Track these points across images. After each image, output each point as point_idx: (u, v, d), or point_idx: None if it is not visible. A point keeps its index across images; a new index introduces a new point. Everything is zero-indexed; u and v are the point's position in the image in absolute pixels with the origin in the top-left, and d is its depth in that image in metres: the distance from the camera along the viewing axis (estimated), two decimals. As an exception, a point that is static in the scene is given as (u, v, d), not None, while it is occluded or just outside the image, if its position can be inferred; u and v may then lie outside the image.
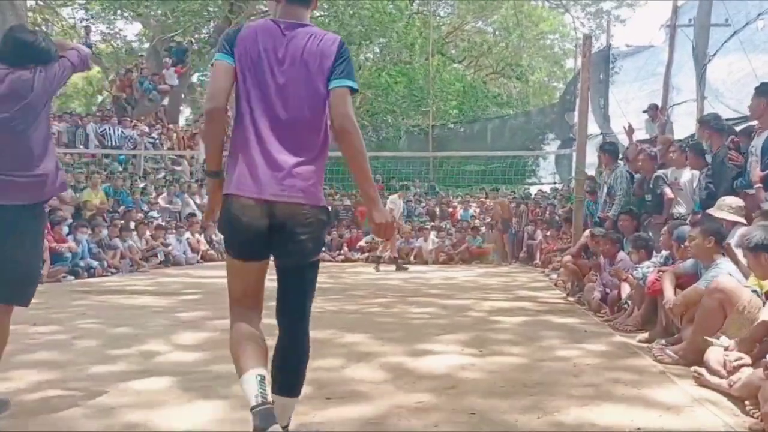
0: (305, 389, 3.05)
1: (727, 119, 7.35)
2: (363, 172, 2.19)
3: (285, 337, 2.23)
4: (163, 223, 12.02)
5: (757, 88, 4.94)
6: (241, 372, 2.06)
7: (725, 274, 3.68)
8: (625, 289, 5.32)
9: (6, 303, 2.67)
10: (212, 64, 2.22)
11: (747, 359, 2.96)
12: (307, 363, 2.28)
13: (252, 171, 2.11)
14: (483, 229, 13.92)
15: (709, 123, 5.75)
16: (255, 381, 2.01)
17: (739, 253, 3.91)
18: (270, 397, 2.03)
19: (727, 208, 4.44)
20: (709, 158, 5.67)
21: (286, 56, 2.15)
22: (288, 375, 2.23)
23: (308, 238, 2.16)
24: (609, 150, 7.38)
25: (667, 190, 6.11)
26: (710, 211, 4.58)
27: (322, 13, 21.36)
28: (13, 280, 2.64)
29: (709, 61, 9.55)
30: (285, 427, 2.20)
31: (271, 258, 2.22)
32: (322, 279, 8.87)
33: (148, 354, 3.94)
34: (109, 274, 9.71)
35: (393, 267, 11.07)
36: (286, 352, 2.23)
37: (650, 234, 5.91)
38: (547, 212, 13.40)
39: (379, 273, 10.51)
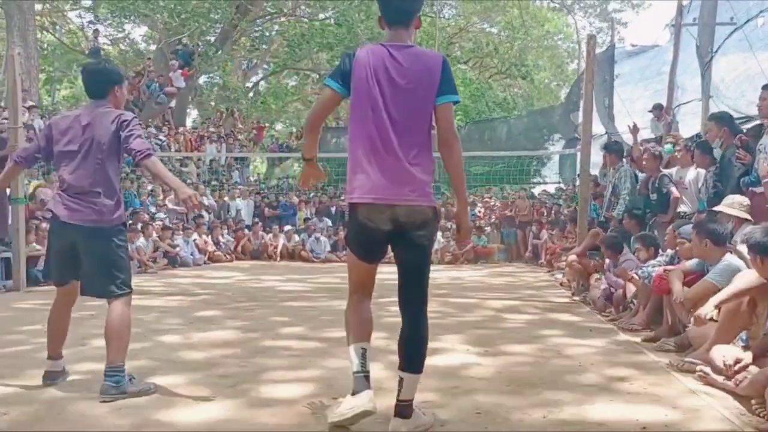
0: (313, 388, 3.10)
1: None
2: (460, 179, 2.52)
3: (408, 325, 2.54)
4: (171, 225, 12.07)
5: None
6: (349, 342, 2.55)
7: (735, 267, 3.67)
8: (631, 289, 5.33)
9: (100, 297, 3.14)
10: (325, 84, 2.55)
11: (747, 359, 2.97)
12: (427, 344, 2.55)
13: (375, 178, 2.41)
14: (488, 228, 13.92)
15: (725, 119, 5.71)
16: (359, 352, 2.50)
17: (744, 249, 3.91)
18: (368, 366, 2.49)
19: (737, 205, 4.44)
20: (717, 154, 5.65)
21: (398, 76, 2.42)
22: (411, 356, 2.51)
23: (425, 236, 2.47)
24: (613, 149, 7.38)
25: (674, 189, 6.11)
26: (719, 207, 4.57)
27: (328, 14, 21.38)
28: (99, 283, 3.09)
29: (711, 58, 9.52)
30: (410, 400, 2.49)
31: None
32: (329, 279, 8.93)
33: (157, 353, 3.98)
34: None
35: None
36: (409, 338, 2.53)
37: (656, 233, 5.91)
38: (553, 212, 13.39)
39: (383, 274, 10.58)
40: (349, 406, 2.42)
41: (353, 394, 2.45)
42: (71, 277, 3.17)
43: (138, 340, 4.40)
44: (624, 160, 7.38)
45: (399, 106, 2.42)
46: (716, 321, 3.44)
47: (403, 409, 2.47)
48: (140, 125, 3.25)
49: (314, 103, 2.65)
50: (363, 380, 2.47)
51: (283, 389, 3.17)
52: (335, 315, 5.74)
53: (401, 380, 2.48)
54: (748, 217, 4.38)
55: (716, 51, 9.44)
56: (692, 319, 3.61)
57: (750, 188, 4.88)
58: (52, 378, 3.25)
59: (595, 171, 8.90)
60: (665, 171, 6.49)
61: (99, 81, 3.20)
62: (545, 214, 13.57)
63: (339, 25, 19.54)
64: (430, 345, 4.17)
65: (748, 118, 7.87)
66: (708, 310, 3.38)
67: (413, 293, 2.54)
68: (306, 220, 14.57)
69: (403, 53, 2.45)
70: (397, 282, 2.56)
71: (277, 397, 3.04)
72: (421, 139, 2.45)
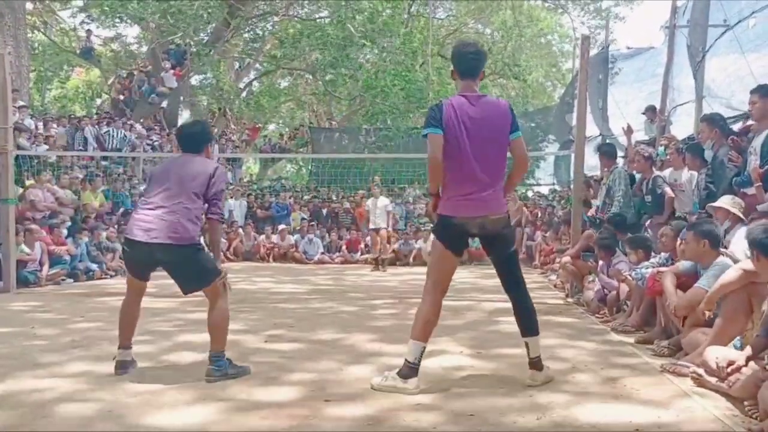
0: (304, 391, 3.08)
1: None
2: (517, 182, 3.58)
3: (517, 302, 3.33)
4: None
5: (760, 90, 4.88)
6: (419, 338, 3.17)
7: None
8: (624, 290, 5.32)
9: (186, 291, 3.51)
10: (426, 135, 3.17)
11: (741, 360, 2.96)
12: (535, 311, 3.34)
13: (464, 197, 3.16)
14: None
15: (716, 120, 5.71)
16: (419, 349, 3.17)
17: (739, 249, 3.90)
18: (421, 360, 3.17)
19: (732, 203, 4.44)
20: (709, 156, 5.64)
21: (477, 119, 3.15)
22: (527, 323, 3.31)
23: (508, 234, 3.34)
24: (605, 151, 7.37)
25: (668, 190, 6.09)
26: (720, 203, 4.55)
27: (323, 15, 21.31)
28: (187, 285, 3.49)
29: (702, 58, 9.53)
30: (538, 356, 3.30)
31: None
32: (322, 280, 8.87)
33: (146, 356, 3.93)
34: (108, 276, 9.71)
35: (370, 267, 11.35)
36: (521, 311, 3.32)
37: (650, 233, 5.90)
38: (546, 213, 13.41)
39: (381, 273, 10.87)
40: (397, 385, 3.11)
41: (402, 377, 3.11)
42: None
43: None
44: (620, 161, 7.37)
45: (481, 143, 3.14)
46: (712, 318, 3.47)
47: (536, 364, 3.27)
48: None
49: (430, 148, 3.17)
50: (413, 370, 3.15)
51: (273, 392, 3.15)
52: (327, 316, 5.72)
53: (527, 344, 3.28)
54: (741, 215, 4.37)
55: (707, 51, 9.45)
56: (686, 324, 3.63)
57: (741, 189, 4.87)
58: (123, 367, 3.44)
59: (589, 172, 8.88)
60: (658, 172, 6.49)
61: (197, 140, 3.57)
62: (539, 215, 13.58)
63: (332, 24, 19.47)
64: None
65: (738, 118, 7.89)
66: (706, 311, 3.51)
67: (512, 278, 3.33)
68: (302, 220, 14.54)
69: (480, 102, 3.19)
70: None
71: (267, 400, 3.01)
72: (498, 166, 3.21)
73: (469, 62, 3.25)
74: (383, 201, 11.53)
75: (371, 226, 11.50)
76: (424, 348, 3.17)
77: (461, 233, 3.24)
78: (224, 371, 3.34)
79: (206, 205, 3.44)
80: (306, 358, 3.90)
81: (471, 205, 3.16)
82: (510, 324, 5.28)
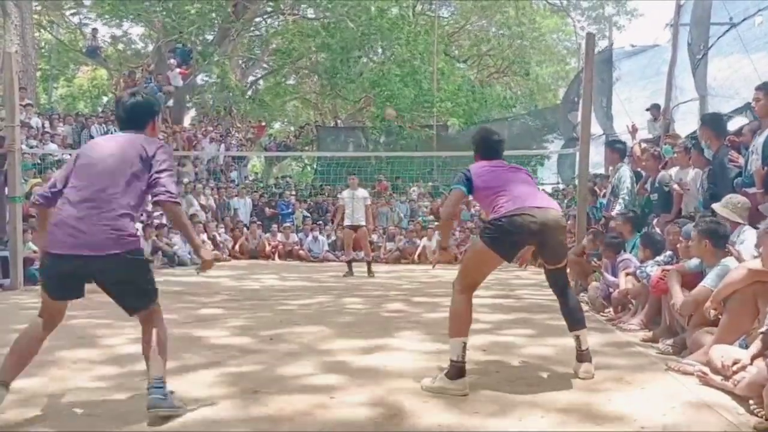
0: (317, 387, 3.06)
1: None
2: None
3: (563, 303, 3.49)
4: (166, 223, 12.08)
5: (765, 87, 4.85)
6: (455, 334, 3.19)
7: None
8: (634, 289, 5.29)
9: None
10: (451, 190, 3.51)
11: (746, 359, 2.97)
12: (581, 307, 3.60)
13: (522, 196, 3.29)
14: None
15: (706, 121, 5.69)
16: (461, 345, 3.15)
17: (745, 249, 3.90)
18: (466, 357, 3.15)
19: (732, 206, 4.38)
20: (709, 155, 5.63)
21: (505, 165, 3.55)
22: (574, 320, 3.45)
23: (563, 250, 3.50)
24: (616, 148, 7.34)
25: (676, 187, 6.06)
26: (714, 205, 4.53)
27: (323, 17, 21.30)
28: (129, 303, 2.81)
29: (703, 55, 9.49)
30: (588, 348, 3.44)
31: None
32: (328, 278, 8.85)
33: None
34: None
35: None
36: (568, 310, 3.47)
37: (658, 231, 5.88)
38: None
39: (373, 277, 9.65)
40: (445, 386, 3.07)
41: (449, 378, 3.08)
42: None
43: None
44: (625, 159, 7.35)
45: (517, 173, 3.51)
46: (717, 317, 3.47)
47: (586, 355, 3.40)
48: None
49: (447, 201, 3.54)
50: (459, 369, 3.10)
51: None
52: (334, 313, 5.74)
53: (577, 337, 3.42)
54: (740, 220, 4.30)
55: (709, 48, 9.42)
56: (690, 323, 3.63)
57: (743, 189, 4.85)
58: None
59: (592, 170, 8.86)
60: (664, 171, 6.47)
61: (138, 114, 2.89)
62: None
63: (333, 27, 19.44)
64: (431, 346, 4.22)
65: (729, 117, 7.86)
66: (712, 309, 3.50)
67: (558, 288, 3.52)
68: (305, 218, 14.59)
69: (503, 161, 3.61)
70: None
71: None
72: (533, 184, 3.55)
73: (492, 146, 3.63)
74: (362, 193, 10.01)
75: (347, 222, 9.82)
76: (465, 343, 3.16)
77: (521, 232, 3.17)
78: (170, 401, 2.67)
79: (149, 188, 2.73)
80: (313, 353, 3.92)
81: (531, 201, 3.25)
82: (514, 321, 5.32)
